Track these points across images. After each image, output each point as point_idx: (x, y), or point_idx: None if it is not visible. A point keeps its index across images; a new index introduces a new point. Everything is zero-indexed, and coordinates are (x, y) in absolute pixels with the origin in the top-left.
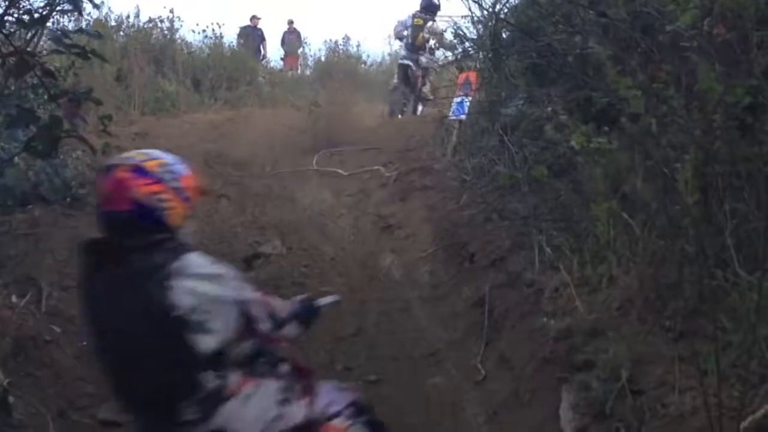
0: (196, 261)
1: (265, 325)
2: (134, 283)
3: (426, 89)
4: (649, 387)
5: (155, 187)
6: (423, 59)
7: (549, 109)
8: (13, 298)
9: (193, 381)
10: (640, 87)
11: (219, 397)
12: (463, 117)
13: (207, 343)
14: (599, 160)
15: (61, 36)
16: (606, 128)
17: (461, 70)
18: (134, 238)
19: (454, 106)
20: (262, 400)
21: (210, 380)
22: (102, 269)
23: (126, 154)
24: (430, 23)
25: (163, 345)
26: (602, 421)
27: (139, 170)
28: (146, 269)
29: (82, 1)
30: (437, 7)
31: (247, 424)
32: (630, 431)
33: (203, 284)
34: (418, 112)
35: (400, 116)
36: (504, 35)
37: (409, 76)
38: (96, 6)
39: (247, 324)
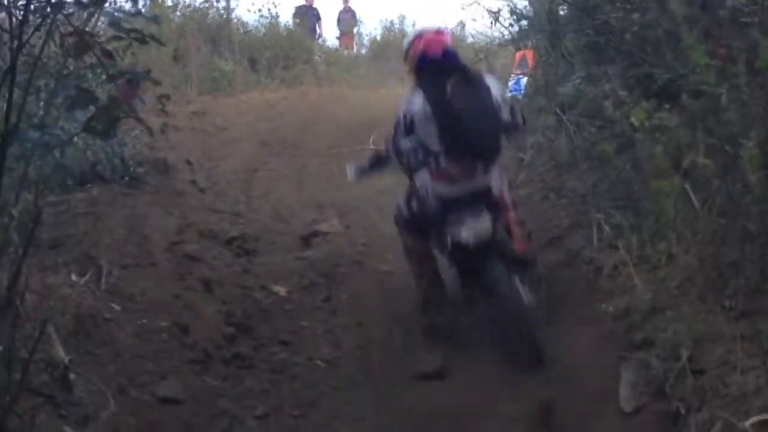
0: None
1: None
2: (476, 82)
3: None
4: (710, 366)
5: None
6: None
7: (607, 86)
8: (73, 277)
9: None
10: (703, 63)
11: None
12: (520, 95)
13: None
14: (660, 137)
15: (118, 20)
16: (667, 105)
17: (517, 48)
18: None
19: (510, 84)
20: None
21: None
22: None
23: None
24: None
25: (495, 115)
26: (661, 400)
27: (441, 32)
28: (475, 76)
29: None
30: None
31: None
32: (690, 411)
33: (498, 86)
34: None
35: None
36: (561, 13)
37: None
38: None
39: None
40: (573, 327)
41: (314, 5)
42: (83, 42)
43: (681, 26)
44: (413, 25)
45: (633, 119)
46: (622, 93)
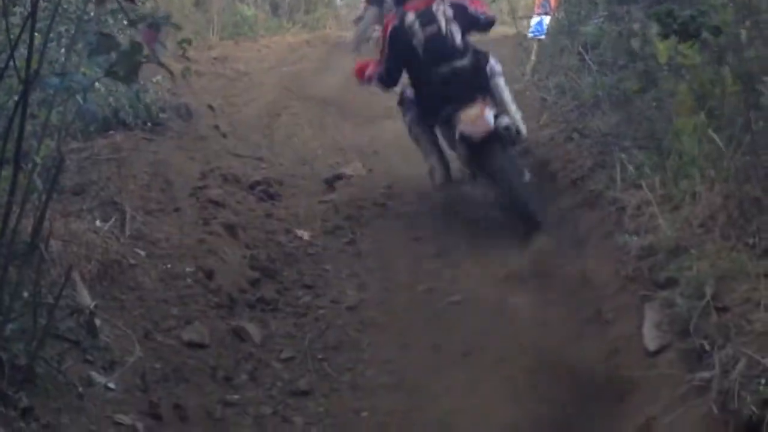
0: None
1: None
2: None
3: None
4: (733, 304)
5: None
6: None
7: (635, 25)
8: (97, 223)
9: None
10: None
11: None
12: (542, 36)
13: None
14: (683, 74)
15: None
16: (687, 44)
17: None
18: None
19: (532, 25)
20: None
21: None
22: None
23: None
24: None
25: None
26: (686, 339)
27: None
28: None
29: None
30: None
31: None
32: (714, 348)
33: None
34: None
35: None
36: None
37: None
38: None
39: None
40: (597, 267)
41: None
42: None
43: None
44: None
45: (660, 58)
46: (644, 32)
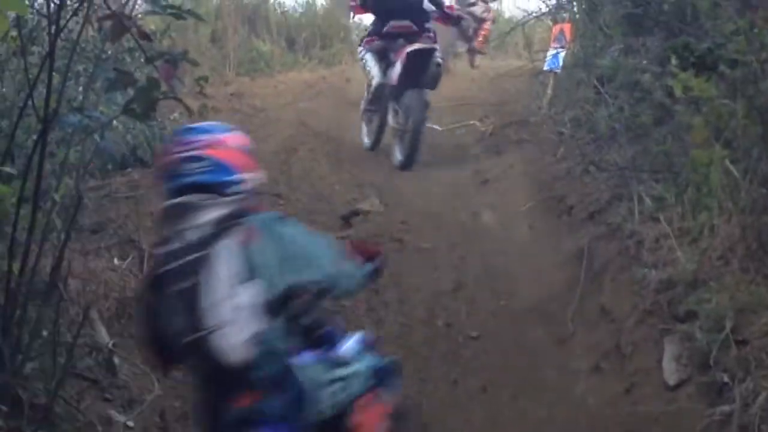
0: None
1: None
2: None
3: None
4: (753, 337)
5: None
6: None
7: (645, 62)
8: (116, 261)
9: None
10: (740, 32)
11: None
12: (557, 69)
13: None
14: (700, 107)
15: None
16: (705, 76)
17: (555, 22)
18: None
19: (548, 58)
20: None
21: None
22: None
23: None
24: None
25: None
26: (706, 372)
27: None
28: None
29: None
30: None
31: None
32: (735, 381)
33: None
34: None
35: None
36: None
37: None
38: None
39: None
40: (615, 300)
41: None
42: (120, 24)
43: None
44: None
45: (676, 91)
46: (660, 66)
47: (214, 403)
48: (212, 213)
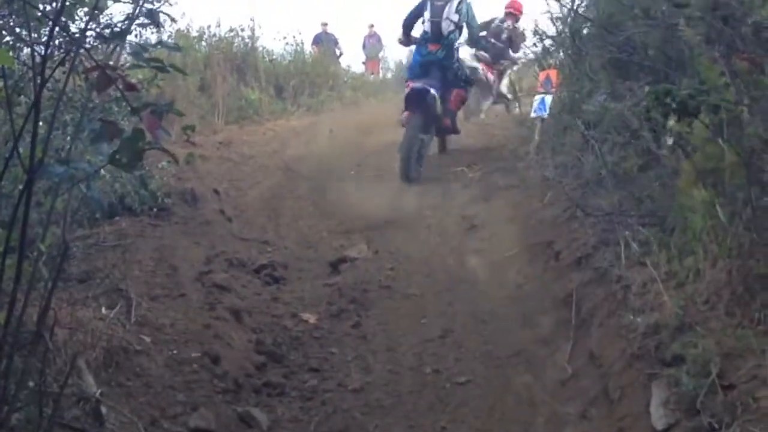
0: None
1: None
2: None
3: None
4: (739, 381)
5: None
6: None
7: (630, 102)
8: (103, 310)
9: None
10: (725, 77)
11: None
12: (545, 115)
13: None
14: (687, 151)
15: (140, 50)
16: (687, 122)
17: (542, 68)
18: None
19: (535, 104)
20: None
21: None
22: None
23: None
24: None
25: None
26: (693, 417)
27: None
28: None
29: (159, 16)
30: None
31: None
32: (722, 427)
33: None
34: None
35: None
36: (584, 31)
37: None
38: (173, 20)
39: None
40: (603, 345)
41: (329, 31)
42: (106, 76)
43: (702, 42)
44: None
45: (663, 138)
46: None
47: None
48: None
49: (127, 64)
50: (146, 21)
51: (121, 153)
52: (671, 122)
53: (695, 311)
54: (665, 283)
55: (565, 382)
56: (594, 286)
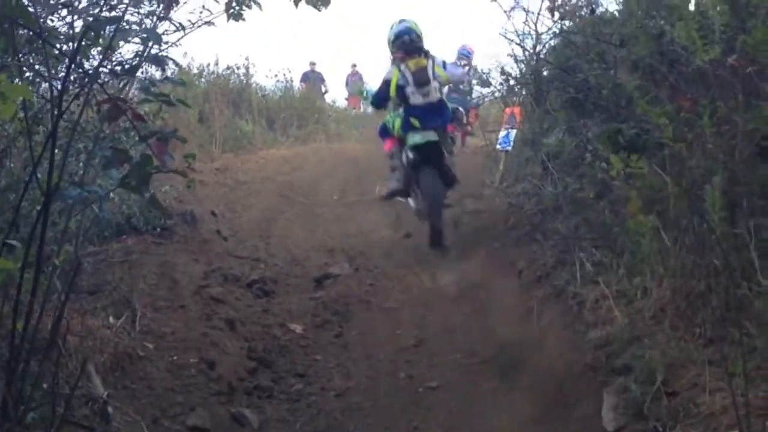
0: None
1: None
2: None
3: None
4: (682, 389)
5: None
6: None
7: (586, 139)
8: (110, 319)
9: None
10: (668, 116)
11: None
12: (508, 148)
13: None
14: (633, 183)
15: (149, 86)
16: (635, 156)
17: (506, 105)
18: None
19: (500, 138)
20: None
21: None
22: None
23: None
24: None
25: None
26: (640, 421)
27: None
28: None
29: (167, 62)
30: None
31: None
32: (666, 429)
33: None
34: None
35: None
36: (544, 73)
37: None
38: (177, 65)
39: None
40: (560, 355)
41: (316, 69)
42: (117, 107)
43: (641, 86)
44: None
45: (613, 171)
46: (599, 146)
47: None
48: None
49: (136, 98)
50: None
51: (131, 177)
52: (616, 158)
53: (643, 325)
54: (616, 300)
55: (527, 387)
56: (552, 301)
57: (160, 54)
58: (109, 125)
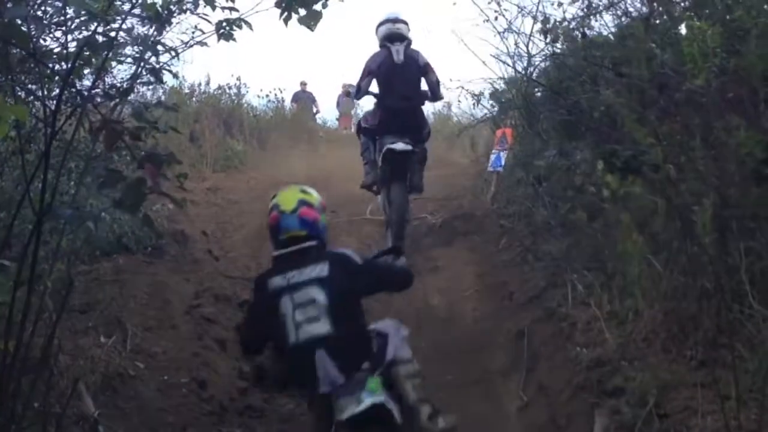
0: None
1: None
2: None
3: None
4: (674, 411)
5: None
6: None
7: (578, 159)
8: (102, 339)
9: None
10: (659, 138)
11: None
12: (500, 169)
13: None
14: (626, 205)
15: (141, 110)
16: (630, 178)
17: (498, 126)
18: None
19: (492, 159)
20: None
21: None
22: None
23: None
24: None
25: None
26: None
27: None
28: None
29: (163, 74)
30: None
31: None
32: None
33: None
34: None
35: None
36: (536, 95)
37: None
38: (175, 76)
39: None
40: (551, 376)
41: (307, 89)
42: (113, 132)
43: (630, 108)
44: None
45: (605, 192)
46: (591, 167)
47: None
48: None
49: (128, 120)
50: (149, 79)
51: (125, 197)
52: (609, 178)
53: (634, 347)
54: (607, 322)
55: (517, 410)
56: (543, 323)
57: (156, 66)
58: (108, 150)
